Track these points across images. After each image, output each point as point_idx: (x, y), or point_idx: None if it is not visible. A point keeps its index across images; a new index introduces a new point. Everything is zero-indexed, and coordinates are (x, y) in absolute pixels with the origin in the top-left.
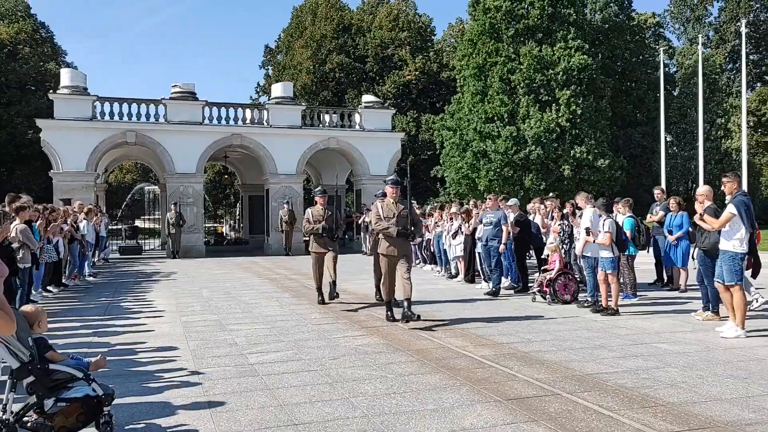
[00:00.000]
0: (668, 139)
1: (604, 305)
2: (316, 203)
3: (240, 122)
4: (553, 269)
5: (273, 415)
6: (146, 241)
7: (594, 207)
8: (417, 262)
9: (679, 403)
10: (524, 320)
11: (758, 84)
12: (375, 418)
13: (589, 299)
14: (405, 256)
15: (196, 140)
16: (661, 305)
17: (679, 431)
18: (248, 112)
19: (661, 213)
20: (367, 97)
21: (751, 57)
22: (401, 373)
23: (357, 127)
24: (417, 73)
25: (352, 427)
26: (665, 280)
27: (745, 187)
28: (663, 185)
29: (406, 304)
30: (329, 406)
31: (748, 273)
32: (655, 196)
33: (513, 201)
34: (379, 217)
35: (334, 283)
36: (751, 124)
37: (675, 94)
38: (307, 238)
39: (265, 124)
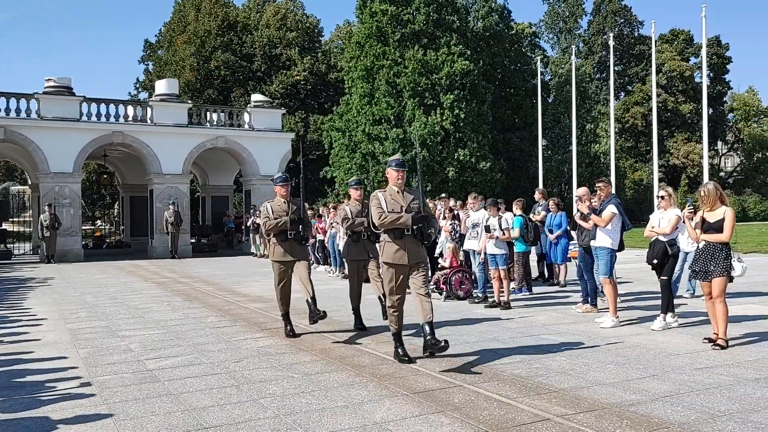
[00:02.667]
0: (543, 143)
1: (497, 300)
2: (275, 195)
3: (122, 119)
4: (448, 267)
5: (181, 420)
6: (15, 245)
7: (484, 207)
8: (311, 263)
9: (569, 389)
10: None
11: (622, 93)
12: (286, 418)
13: (480, 295)
14: (419, 264)
15: (73, 138)
16: (544, 299)
17: (573, 413)
18: (130, 109)
19: (543, 213)
20: (256, 96)
21: (615, 68)
22: (307, 373)
23: (246, 126)
24: (305, 73)
25: (264, 428)
26: (546, 276)
27: (614, 189)
28: (540, 187)
29: (427, 328)
30: (238, 408)
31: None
32: (536, 197)
33: None
34: (381, 211)
35: (313, 299)
36: (617, 130)
37: (549, 100)
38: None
39: (149, 121)
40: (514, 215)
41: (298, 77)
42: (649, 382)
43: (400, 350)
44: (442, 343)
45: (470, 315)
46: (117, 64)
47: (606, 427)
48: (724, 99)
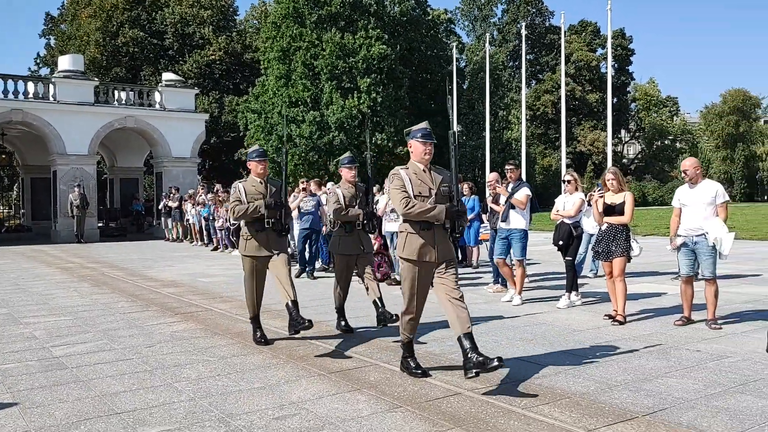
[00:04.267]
0: (458, 128)
1: None
2: (249, 174)
3: (21, 96)
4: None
5: (91, 406)
6: None
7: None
8: (228, 249)
9: None
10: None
11: (533, 81)
12: (202, 400)
13: (397, 278)
14: (449, 263)
15: None
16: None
17: (482, 387)
18: (31, 85)
19: None
20: (167, 75)
21: (528, 57)
22: (223, 356)
23: (157, 106)
24: (220, 53)
25: (179, 411)
26: (459, 258)
27: (524, 174)
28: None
29: (467, 343)
30: (152, 393)
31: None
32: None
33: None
34: (406, 195)
35: (295, 304)
36: (528, 117)
37: (465, 87)
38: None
39: (52, 99)
40: None
41: (212, 57)
42: (554, 357)
43: (411, 362)
44: (495, 362)
45: (387, 297)
46: (15, 38)
47: (513, 400)
48: (628, 89)
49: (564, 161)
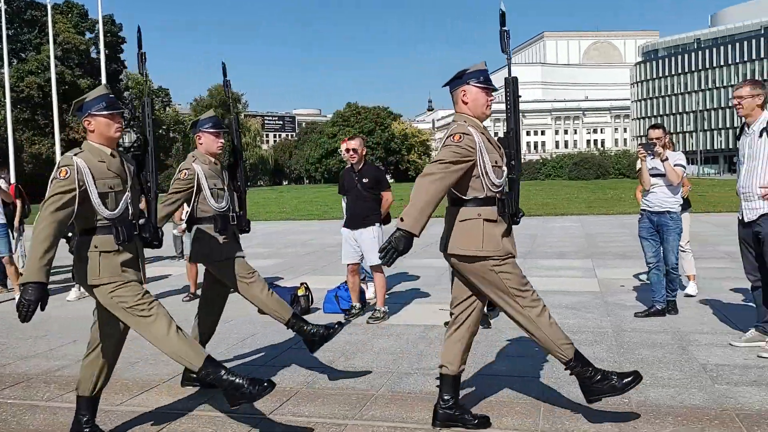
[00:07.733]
0: None
1: None
2: (84, 141)
3: None
4: None
5: None
6: None
7: None
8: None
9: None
10: None
11: (15, 60)
12: None
13: None
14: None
15: None
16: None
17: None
18: None
19: None
20: None
21: (9, 32)
22: None
23: None
24: None
25: None
26: None
27: (13, 162)
28: None
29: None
30: None
31: None
32: None
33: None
34: (454, 164)
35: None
36: (11, 99)
37: None
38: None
39: None
40: None
41: None
42: (71, 347)
43: (615, 378)
44: None
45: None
46: None
47: (29, 394)
48: (120, 77)
49: (58, 149)
